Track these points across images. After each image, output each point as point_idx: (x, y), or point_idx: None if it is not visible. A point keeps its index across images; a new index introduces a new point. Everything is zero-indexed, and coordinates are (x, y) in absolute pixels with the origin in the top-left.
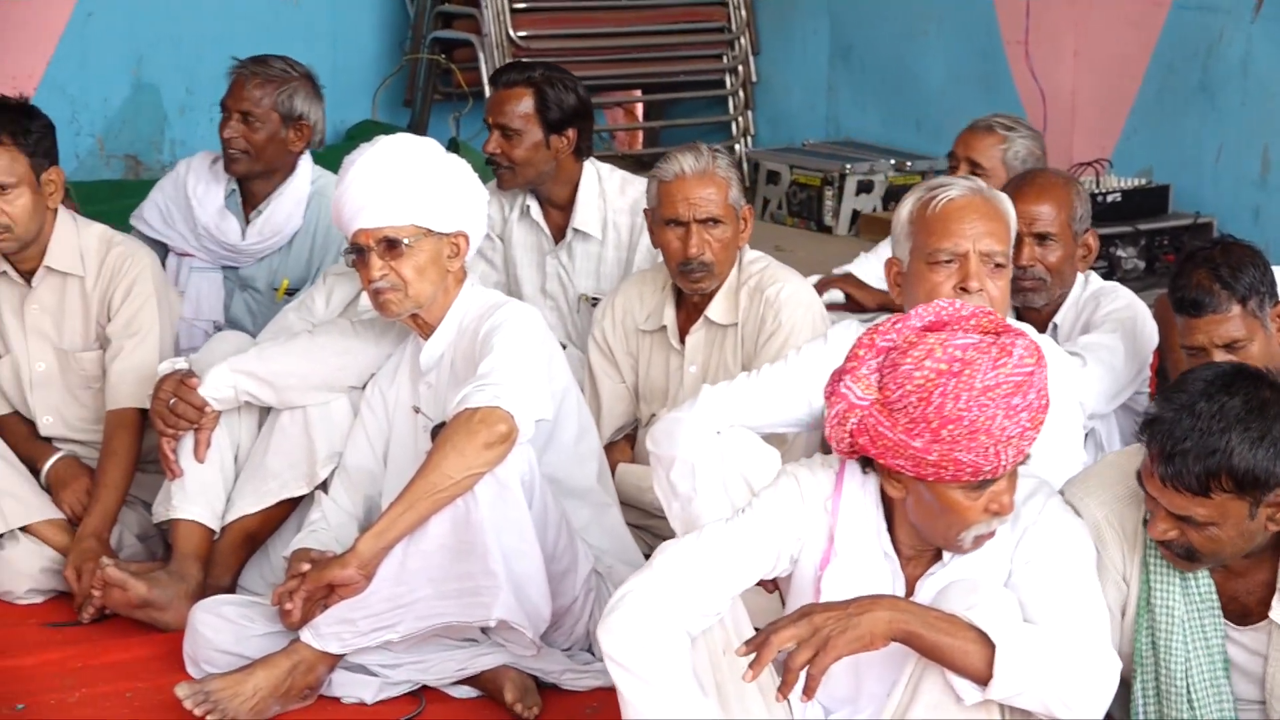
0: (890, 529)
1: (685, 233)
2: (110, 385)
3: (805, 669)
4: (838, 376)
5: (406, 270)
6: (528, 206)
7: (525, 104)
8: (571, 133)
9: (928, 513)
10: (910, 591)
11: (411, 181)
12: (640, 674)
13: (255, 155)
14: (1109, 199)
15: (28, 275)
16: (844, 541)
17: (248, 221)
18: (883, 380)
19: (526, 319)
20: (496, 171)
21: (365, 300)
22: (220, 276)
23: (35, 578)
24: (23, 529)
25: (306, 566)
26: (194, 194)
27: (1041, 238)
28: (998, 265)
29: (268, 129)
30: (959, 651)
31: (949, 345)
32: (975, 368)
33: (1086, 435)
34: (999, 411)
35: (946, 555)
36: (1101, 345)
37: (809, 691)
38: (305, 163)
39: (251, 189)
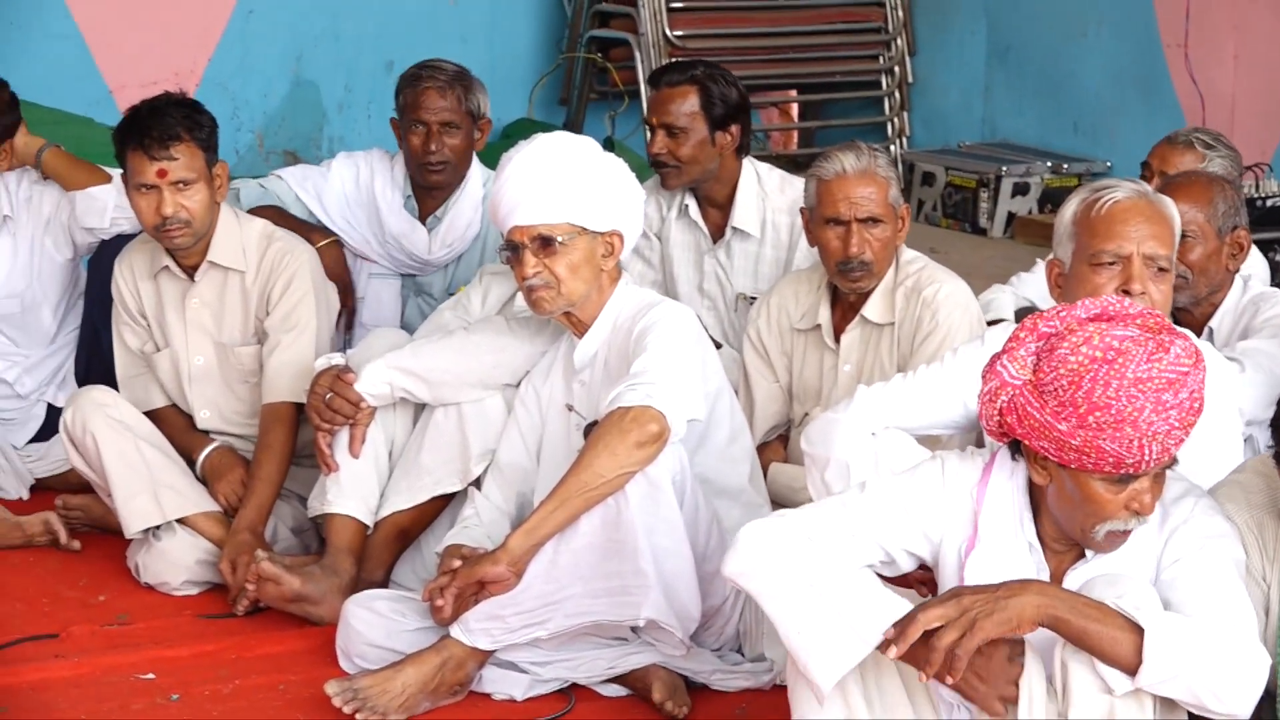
0: (1036, 520)
1: (845, 232)
2: (267, 379)
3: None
4: (996, 357)
5: (560, 268)
6: (686, 205)
7: (690, 102)
8: (735, 129)
9: (1068, 502)
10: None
11: (567, 179)
12: (772, 570)
13: (457, 163)
14: (1269, 203)
15: (190, 270)
16: (988, 528)
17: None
18: (1038, 362)
19: (680, 319)
20: (661, 171)
21: (521, 299)
22: (399, 283)
23: (191, 569)
24: (180, 521)
25: (458, 563)
26: (382, 200)
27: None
28: (1161, 269)
29: (464, 133)
30: (1108, 638)
31: (1107, 334)
32: (1129, 358)
33: (1245, 441)
34: (1147, 405)
35: (1089, 552)
36: (1260, 351)
37: (954, 672)
38: (475, 165)
39: (428, 194)
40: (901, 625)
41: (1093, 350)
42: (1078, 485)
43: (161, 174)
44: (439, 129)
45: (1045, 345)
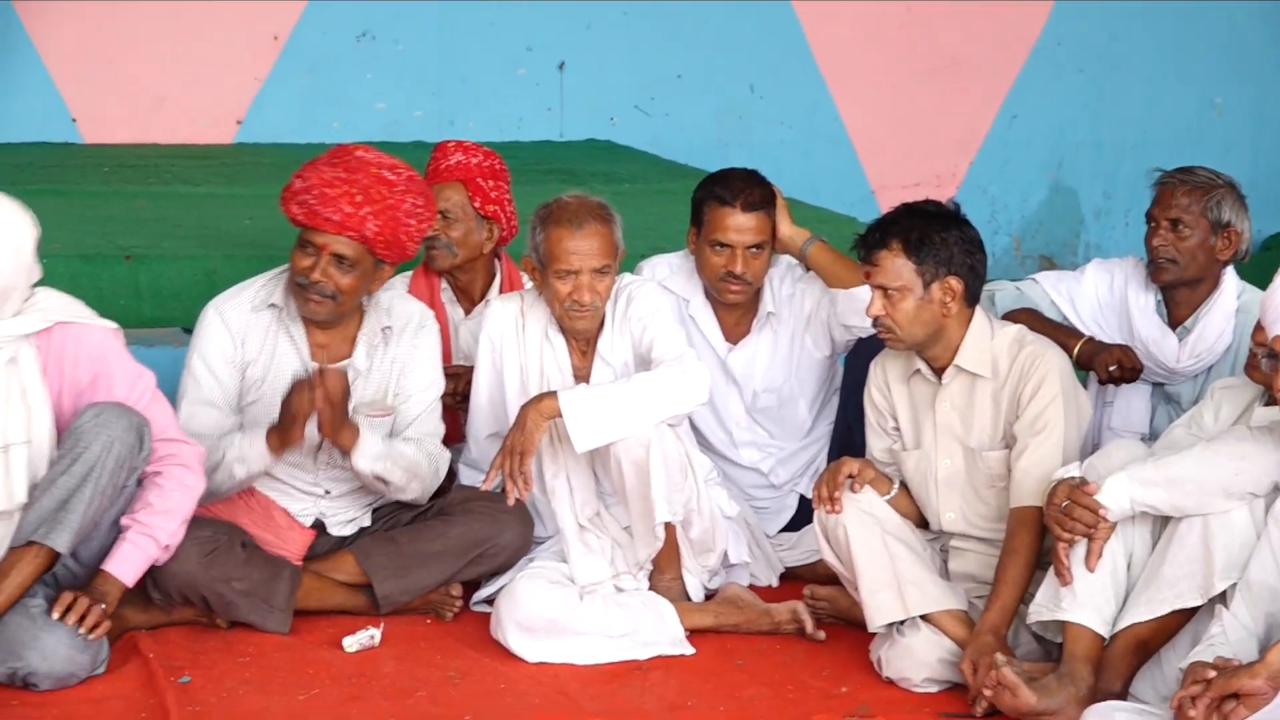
0: None
1: None
2: (1014, 483)
3: None
4: None
5: None
6: None
7: None
8: None
9: None
10: None
11: None
12: None
13: (1182, 263)
14: None
15: (939, 372)
16: None
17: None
18: None
19: None
20: None
21: (1259, 413)
22: (1148, 390)
23: (932, 667)
24: (923, 617)
25: (1212, 673)
26: (1134, 305)
27: None
28: None
29: (1196, 236)
30: None
31: None
32: None
33: None
34: None
35: None
36: None
37: None
38: (1230, 276)
39: (1176, 300)
40: None
41: None
42: None
43: None
44: (1165, 226)
45: None
